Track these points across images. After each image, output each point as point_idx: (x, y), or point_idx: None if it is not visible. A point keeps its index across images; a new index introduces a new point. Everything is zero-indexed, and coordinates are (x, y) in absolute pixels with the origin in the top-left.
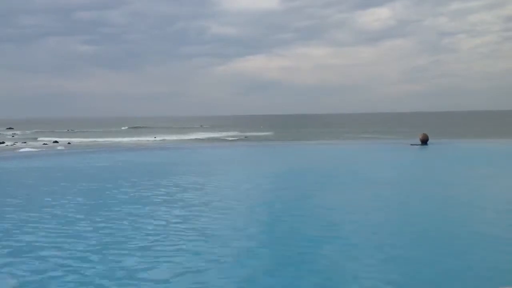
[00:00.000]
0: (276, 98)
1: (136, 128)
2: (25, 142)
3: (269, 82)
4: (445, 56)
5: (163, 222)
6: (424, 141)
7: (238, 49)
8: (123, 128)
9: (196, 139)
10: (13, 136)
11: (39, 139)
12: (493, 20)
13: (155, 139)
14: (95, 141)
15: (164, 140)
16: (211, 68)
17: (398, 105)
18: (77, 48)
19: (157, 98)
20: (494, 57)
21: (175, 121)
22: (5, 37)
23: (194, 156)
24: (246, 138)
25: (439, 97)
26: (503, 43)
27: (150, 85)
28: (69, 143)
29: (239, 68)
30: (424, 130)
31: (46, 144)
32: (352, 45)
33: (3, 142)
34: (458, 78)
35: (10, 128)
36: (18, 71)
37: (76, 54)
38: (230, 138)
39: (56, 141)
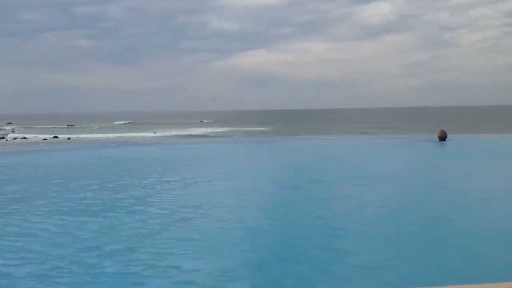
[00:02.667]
0: (277, 93)
1: (130, 123)
2: (25, 138)
3: (269, 77)
4: (445, 51)
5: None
6: (443, 138)
7: (239, 44)
8: (115, 123)
9: (195, 135)
10: (13, 131)
11: (39, 135)
12: (494, 14)
13: (155, 134)
14: (85, 137)
15: (151, 135)
16: (211, 63)
17: (398, 100)
18: (77, 43)
19: (157, 92)
20: (495, 51)
21: (175, 116)
22: (6, 32)
23: (189, 153)
24: (244, 134)
25: (439, 92)
26: (504, 38)
27: (150, 80)
28: (68, 138)
29: (240, 63)
30: (434, 126)
31: (46, 139)
32: (353, 40)
33: (3, 138)
34: (459, 73)
35: (9, 123)
36: (19, 66)
37: (76, 49)
38: (230, 134)
39: (56, 137)
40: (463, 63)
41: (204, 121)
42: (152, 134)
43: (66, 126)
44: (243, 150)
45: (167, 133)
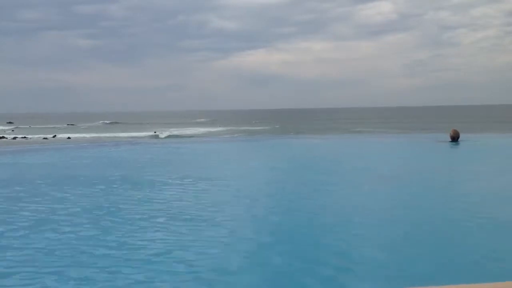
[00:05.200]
0: (277, 92)
1: (119, 123)
2: (25, 137)
3: (269, 76)
4: (446, 50)
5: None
6: (456, 138)
7: (239, 43)
8: (100, 122)
9: (194, 134)
10: (13, 131)
11: (39, 135)
12: (494, 14)
13: (155, 133)
14: (84, 136)
15: (149, 135)
16: (211, 62)
17: (398, 99)
18: (77, 42)
19: (158, 91)
20: (496, 51)
21: (175, 115)
22: (5, 30)
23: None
24: (242, 133)
25: (440, 91)
26: (504, 38)
27: (150, 78)
28: (69, 137)
29: (240, 62)
30: (440, 125)
31: (46, 138)
32: (354, 39)
33: (3, 137)
34: (459, 72)
35: (10, 123)
36: (19, 65)
37: (76, 48)
38: (226, 133)
39: (54, 136)
40: (463, 62)
41: (202, 120)
42: (151, 134)
43: (66, 125)
44: (234, 150)
45: (166, 133)
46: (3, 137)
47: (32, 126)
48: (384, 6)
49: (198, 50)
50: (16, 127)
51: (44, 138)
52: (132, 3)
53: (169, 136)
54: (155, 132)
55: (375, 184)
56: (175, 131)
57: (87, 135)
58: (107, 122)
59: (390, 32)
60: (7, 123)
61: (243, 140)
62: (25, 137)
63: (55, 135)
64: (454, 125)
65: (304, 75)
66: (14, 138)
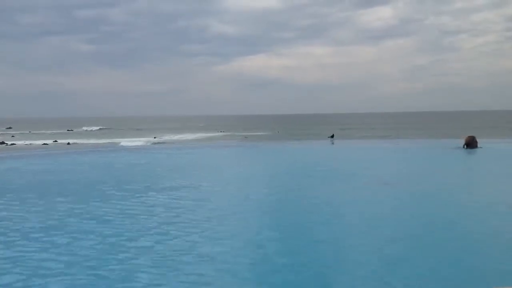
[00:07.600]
0: (277, 98)
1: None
2: (24, 143)
3: (270, 81)
4: (446, 55)
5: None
6: (470, 145)
7: (239, 48)
8: (84, 127)
9: (191, 139)
10: (13, 137)
11: (38, 141)
12: (495, 19)
13: (154, 138)
14: (85, 142)
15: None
16: (212, 67)
17: (399, 104)
18: (78, 47)
19: (158, 96)
20: (496, 56)
21: (176, 120)
22: (7, 35)
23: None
24: (241, 138)
25: (441, 96)
26: (505, 43)
27: (151, 83)
28: (68, 143)
29: (240, 67)
30: (448, 131)
31: (47, 144)
32: (354, 44)
33: (2, 143)
34: (460, 77)
35: (9, 128)
36: (20, 69)
37: (77, 52)
38: (224, 139)
39: (55, 141)
40: (464, 67)
41: (201, 125)
42: (151, 139)
43: (66, 130)
44: (226, 155)
45: (164, 138)
46: (3, 143)
47: (32, 132)
48: (385, 11)
49: (198, 54)
50: (16, 133)
51: (44, 144)
52: (133, 7)
53: (157, 142)
54: (154, 137)
55: (408, 197)
56: (174, 137)
57: (102, 141)
58: (87, 129)
59: (391, 37)
60: (6, 128)
61: (233, 145)
62: (24, 143)
63: (55, 141)
64: (459, 130)
65: (304, 80)
66: (13, 144)
